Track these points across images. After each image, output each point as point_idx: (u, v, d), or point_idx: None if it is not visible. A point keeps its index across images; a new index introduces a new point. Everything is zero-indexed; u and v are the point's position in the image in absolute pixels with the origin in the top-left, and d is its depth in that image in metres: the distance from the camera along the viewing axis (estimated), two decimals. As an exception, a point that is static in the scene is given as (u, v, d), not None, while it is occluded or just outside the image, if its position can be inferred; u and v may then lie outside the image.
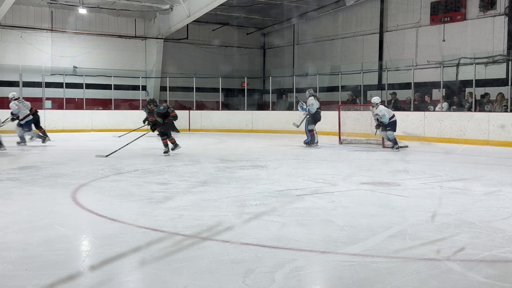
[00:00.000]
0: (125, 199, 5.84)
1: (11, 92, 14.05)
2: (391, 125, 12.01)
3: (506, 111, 13.53)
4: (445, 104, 15.18)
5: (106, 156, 10.09)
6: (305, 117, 12.88)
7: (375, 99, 12.16)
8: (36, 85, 19.58)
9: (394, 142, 11.96)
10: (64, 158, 10.30)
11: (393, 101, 16.63)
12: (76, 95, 20.08)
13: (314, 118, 12.66)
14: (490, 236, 4.20)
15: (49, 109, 19.50)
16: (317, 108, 12.66)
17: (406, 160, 10.12)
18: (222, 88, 20.99)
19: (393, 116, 12.12)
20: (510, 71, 14.56)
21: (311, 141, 12.66)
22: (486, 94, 14.68)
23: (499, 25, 16.14)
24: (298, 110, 13.28)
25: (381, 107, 12.11)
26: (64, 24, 20.81)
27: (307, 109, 12.64)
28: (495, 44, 16.04)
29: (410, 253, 3.73)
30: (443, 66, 15.64)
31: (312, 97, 12.67)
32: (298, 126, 13.12)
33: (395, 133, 12.14)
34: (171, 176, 7.69)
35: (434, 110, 15.24)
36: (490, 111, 13.95)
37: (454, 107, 15.23)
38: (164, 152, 10.76)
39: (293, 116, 18.36)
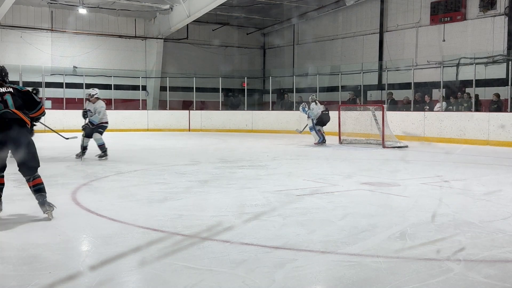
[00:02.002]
0: (125, 199, 5.84)
1: None
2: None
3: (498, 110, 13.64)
4: (444, 104, 15.18)
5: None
6: (306, 125, 13.29)
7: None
8: (36, 85, 19.42)
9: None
10: (64, 158, 10.30)
11: (389, 100, 16.65)
12: (76, 95, 20.08)
13: (320, 120, 13.00)
14: (490, 236, 4.20)
15: (49, 109, 19.50)
16: (323, 111, 13.01)
17: (406, 160, 10.12)
18: (222, 88, 20.99)
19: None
20: (510, 71, 14.55)
21: (322, 141, 12.98)
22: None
23: (499, 25, 16.14)
24: (299, 110, 13.49)
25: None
26: (64, 24, 20.81)
27: (307, 113, 12.92)
28: (495, 44, 16.04)
29: (410, 253, 3.73)
30: (443, 66, 15.65)
31: (313, 103, 13.01)
32: (300, 132, 13.42)
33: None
34: (171, 176, 7.69)
35: (429, 110, 15.26)
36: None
37: (451, 107, 15.24)
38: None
39: (293, 116, 18.43)
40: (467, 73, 15.57)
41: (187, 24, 21.37)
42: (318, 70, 20.04)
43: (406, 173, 8.27)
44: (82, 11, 19.90)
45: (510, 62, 15.08)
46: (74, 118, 19.13)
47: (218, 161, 9.64)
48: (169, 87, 20.84)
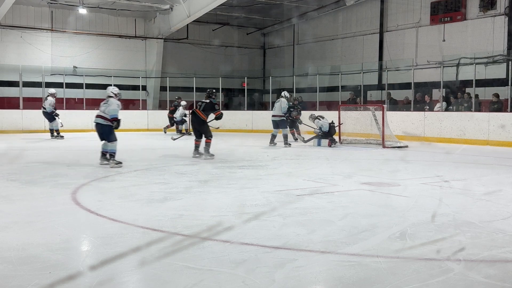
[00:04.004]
0: (125, 199, 5.84)
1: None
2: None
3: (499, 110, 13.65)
4: (443, 104, 15.18)
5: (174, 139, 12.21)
6: (314, 136, 13.31)
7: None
8: (36, 85, 19.57)
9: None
10: (64, 158, 10.30)
11: (389, 100, 16.66)
12: (76, 95, 20.07)
13: (329, 133, 13.02)
14: (490, 236, 4.20)
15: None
16: (330, 124, 13.05)
17: (406, 160, 10.11)
18: (222, 88, 20.98)
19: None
20: (510, 71, 14.55)
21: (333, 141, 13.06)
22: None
23: (499, 25, 16.14)
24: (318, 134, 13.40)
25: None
26: (64, 24, 20.82)
27: (321, 131, 13.00)
28: (495, 44, 16.04)
29: (410, 253, 3.73)
30: (443, 66, 15.64)
31: (317, 120, 13.12)
32: (306, 142, 13.40)
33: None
34: (171, 176, 7.69)
35: (429, 110, 15.26)
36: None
37: (451, 107, 15.24)
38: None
39: (293, 116, 18.40)
40: (467, 73, 15.56)
41: (187, 24, 21.36)
42: (318, 70, 20.03)
43: (406, 173, 8.27)
44: (82, 11, 19.89)
45: (510, 62, 15.08)
46: (75, 118, 19.21)
47: (218, 161, 9.64)
48: (169, 87, 20.84)
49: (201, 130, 10.06)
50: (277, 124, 13.18)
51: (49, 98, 15.16)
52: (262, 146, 13.10)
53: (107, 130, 8.54)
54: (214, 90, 10.53)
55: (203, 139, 10.06)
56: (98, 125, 8.61)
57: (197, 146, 10.14)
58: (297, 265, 3.43)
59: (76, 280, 3.16)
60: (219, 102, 19.91)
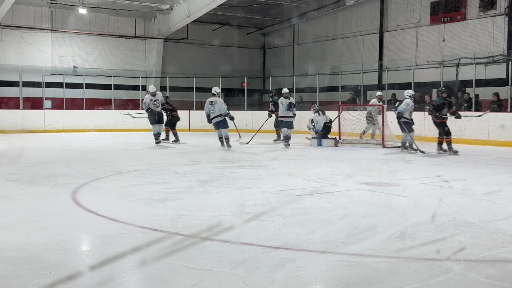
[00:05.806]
0: (125, 199, 5.83)
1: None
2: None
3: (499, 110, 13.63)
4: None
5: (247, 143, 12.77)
6: (314, 137, 13.38)
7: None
8: (36, 85, 19.59)
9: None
10: (64, 158, 10.30)
11: (393, 101, 16.67)
12: (76, 95, 20.09)
13: (324, 133, 13.06)
14: (490, 236, 4.20)
15: (49, 109, 19.52)
16: (325, 123, 13.04)
17: (406, 160, 10.11)
18: (222, 88, 20.96)
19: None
20: (510, 71, 14.55)
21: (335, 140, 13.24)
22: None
23: (499, 25, 16.15)
24: (307, 127, 13.49)
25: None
26: (64, 24, 20.83)
27: (315, 129, 13.03)
28: (495, 44, 16.04)
29: (410, 253, 3.73)
30: (443, 66, 15.65)
31: (316, 114, 13.05)
32: (311, 140, 13.46)
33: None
34: (171, 176, 7.68)
35: (428, 110, 15.24)
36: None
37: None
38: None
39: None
40: (467, 73, 15.56)
41: (187, 24, 21.37)
42: (318, 70, 20.04)
43: (406, 173, 8.27)
44: (82, 11, 19.91)
45: (510, 62, 15.07)
46: (75, 118, 19.22)
47: (218, 161, 9.64)
48: (169, 87, 20.84)
49: (439, 130, 11.40)
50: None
51: (146, 96, 13.31)
52: (262, 146, 13.09)
53: None
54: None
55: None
56: None
57: (440, 143, 11.52)
58: (297, 265, 3.43)
59: (76, 280, 3.16)
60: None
